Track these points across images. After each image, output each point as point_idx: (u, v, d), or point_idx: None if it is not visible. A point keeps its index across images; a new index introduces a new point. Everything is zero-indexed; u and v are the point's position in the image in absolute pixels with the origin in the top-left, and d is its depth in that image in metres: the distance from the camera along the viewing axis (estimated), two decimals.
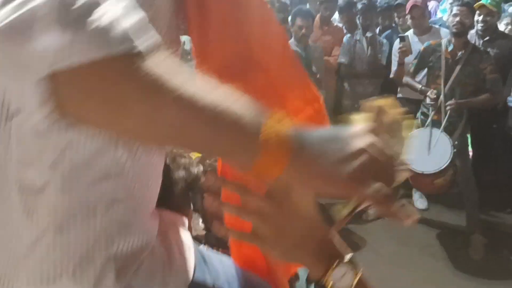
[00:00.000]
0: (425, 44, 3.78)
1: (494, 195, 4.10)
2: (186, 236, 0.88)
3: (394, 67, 4.08)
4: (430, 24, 4.27)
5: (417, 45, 3.92)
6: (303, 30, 4.07)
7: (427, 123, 3.57)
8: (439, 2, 5.52)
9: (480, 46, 3.89)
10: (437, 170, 3.37)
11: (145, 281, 0.72)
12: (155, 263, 0.76)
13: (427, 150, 3.46)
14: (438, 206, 4.26)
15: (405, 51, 3.78)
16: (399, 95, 4.25)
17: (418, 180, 3.62)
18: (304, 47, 4.08)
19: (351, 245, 0.72)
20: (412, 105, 4.06)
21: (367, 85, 4.34)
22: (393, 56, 4.14)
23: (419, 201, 4.29)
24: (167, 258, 0.78)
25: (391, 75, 4.15)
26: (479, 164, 4.21)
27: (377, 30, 4.66)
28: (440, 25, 4.39)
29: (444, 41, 3.62)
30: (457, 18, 3.46)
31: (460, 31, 3.48)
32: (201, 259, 0.87)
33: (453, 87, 3.54)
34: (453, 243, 3.77)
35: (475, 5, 3.77)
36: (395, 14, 4.55)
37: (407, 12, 4.15)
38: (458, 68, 3.52)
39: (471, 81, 3.54)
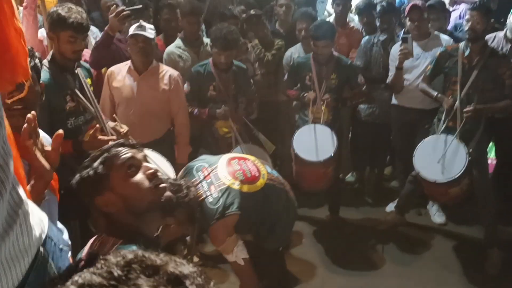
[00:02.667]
0: (441, 49, 3.63)
1: None
2: None
3: (391, 72, 3.91)
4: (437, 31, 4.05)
5: (414, 50, 3.75)
6: (303, 33, 3.98)
7: (440, 129, 3.42)
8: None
9: (508, 50, 3.70)
10: (450, 179, 3.21)
11: None
12: None
13: (440, 158, 3.31)
14: (456, 217, 4.07)
15: (406, 54, 3.63)
16: (394, 101, 4.08)
17: (432, 189, 3.48)
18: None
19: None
20: (411, 114, 3.92)
21: (382, 89, 4.20)
22: (390, 61, 3.96)
23: (437, 215, 4.11)
24: None
25: (388, 81, 3.97)
26: (503, 174, 4.01)
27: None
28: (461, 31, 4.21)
29: (461, 46, 3.47)
30: (469, 24, 3.31)
31: (473, 37, 3.32)
32: None
33: (470, 92, 3.39)
34: (469, 256, 3.60)
35: None
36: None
37: (405, 14, 3.95)
38: (475, 73, 3.36)
39: (489, 87, 3.37)
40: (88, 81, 2.78)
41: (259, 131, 3.89)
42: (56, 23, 2.53)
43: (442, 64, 3.57)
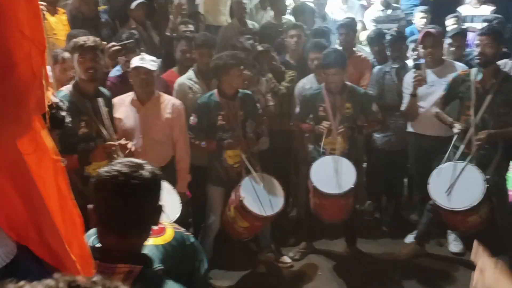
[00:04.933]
0: (454, 74, 3.58)
1: None
2: None
3: (405, 99, 3.87)
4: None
5: (429, 77, 3.71)
6: (315, 63, 4.00)
7: (457, 156, 3.34)
8: None
9: None
10: (467, 207, 3.10)
11: None
12: None
13: (456, 185, 3.20)
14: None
15: (419, 81, 3.59)
16: (410, 129, 4.02)
17: (450, 218, 3.37)
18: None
19: None
20: (428, 141, 3.85)
21: (398, 117, 4.16)
22: (403, 89, 3.92)
23: (453, 244, 3.97)
24: None
25: (402, 108, 3.92)
26: None
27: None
28: None
29: (473, 71, 3.42)
30: (479, 48, 3.28)
31: (483, 61, 3.28)
32: None
33: (485, 117, 3.31)
34: None
35: None
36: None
37: (419, 41, 3.94)
38: (489, 97, 3.29)
39: (504, 111, 3.29)
40: (106, 109, 3.00)
41: (272, 161, 3.88)
42: (70, 49, 2.90)
43: (455, 89, 3.52)
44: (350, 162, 3.51)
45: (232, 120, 3.53)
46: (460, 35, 4.19)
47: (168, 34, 4.37)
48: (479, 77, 3.35)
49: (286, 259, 3.90)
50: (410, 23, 5.74)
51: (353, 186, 3.41)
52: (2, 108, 0.91)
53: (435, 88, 3.78)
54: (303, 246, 4.01)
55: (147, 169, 1.37)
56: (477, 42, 3.35)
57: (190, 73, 3.83)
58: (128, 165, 1.36)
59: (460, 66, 3.85)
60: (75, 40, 2.86)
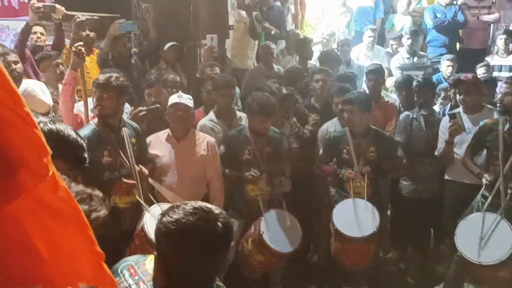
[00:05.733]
0: (481, 123, 3.52)
1: None
2: None
3: (440, 144, 3.81)
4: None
5: (465, 123, 3.64)
6: (340, 107, 3.98)
7: (485, 207, 3.22)
8: None
9: None
10: (496, 262, 2.96)
11: None
12: None
13: (485, 238, 3.08)
14: None
15: (456, 129, 3.53)
16: (447, 177, 3.94)
17: (478, 272, 3.21)
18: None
19: None
20: (464, 189, 3.74)
21: (427, 165, 4.08)
22: (440, 133, 3.87)
23: None
24: None
25: (436, 153, 3.87)
26: None
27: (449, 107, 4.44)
28: None
29: (501, 119, 3.35)
30: (500, 97, 3.25)
31: (502, 110, 3.25)
32: None
33: None
34: None
35: None
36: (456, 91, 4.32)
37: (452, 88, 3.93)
38: None
39: None
40: (133, 140, 3.09)
41: (293, 204, 3.83)
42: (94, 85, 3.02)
43: (482, 139, 3.45)
44: (372, 206, 3.44)
45: (258, 155, 3.56)
46: (489, 83, 4.14)
47: (198, 75, 4.48)
48: (506, 126, 3.29)
49: None
50: (437, 71, 5.75)
51: (376, 230, 3.33)
52: None
53: (471, 135, 3.69)
54: None
55: (220, 219, 1.31)
56: (504, 91, 3.34)
57: (211, 114, 3.91)
58: (200, 215, 1.29)
59: None
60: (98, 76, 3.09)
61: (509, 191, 3.15)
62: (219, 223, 1.29)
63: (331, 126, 4.11)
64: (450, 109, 4.23)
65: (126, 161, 2.96)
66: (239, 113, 4.00)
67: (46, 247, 0.89)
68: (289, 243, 3.33)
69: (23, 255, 0.88)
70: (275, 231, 3.32)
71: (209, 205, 1.36)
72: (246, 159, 3.57)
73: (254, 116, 3.56)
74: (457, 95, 3.85)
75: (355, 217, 3.40)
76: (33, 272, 0.89)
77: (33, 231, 0.89)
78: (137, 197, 2.89)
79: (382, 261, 4.13)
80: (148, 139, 3.45)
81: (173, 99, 3.38)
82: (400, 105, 4.59)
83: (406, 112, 4.27)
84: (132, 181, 2.92)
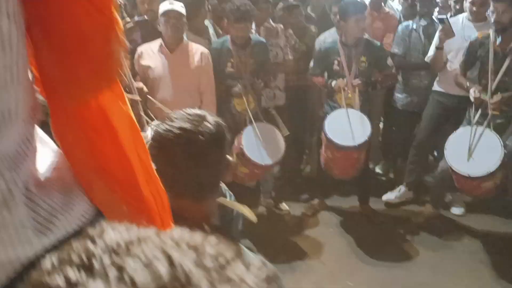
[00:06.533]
0: (472, 37, 3.44)
1: None
2: None
3: (431, 51, 3.73)
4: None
5: (469, 31, 3.56)
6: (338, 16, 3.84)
7: (474, 121, 3.25)
8: None
9: None
10: (485, 174, 3.04)
11: None
12: None
13: (473, 150, 3.13)
14: (491, 210, 3.89)
15: (445, 34, 3.47)
16: (436, 87, 3.89)
17: (463, 183, 3.32)
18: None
19: None
20: (453, 100, 3.74)
21: (423, 76, 4.04)
22: (433, 41, 3.77)
23: (455, 207, 3.98)
24: None
25: (426, 59, 3.80)
26: None
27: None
28: None
29: (491, 33, 3.26)
30: (494, 16, 3.16)
31: (500, 28, 3.16)
32: None
33: (505, 80, 3.19)
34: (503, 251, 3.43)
35: None
36: None
37: None
38: (508, 60, 3.16)
39: None
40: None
41: (287, 117, 3.86)
42: None
43: (474, 53, 3.38)
44: (364, 116, 3.49)
45: (241, 67, 3.51)
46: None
47: None
48: (499, 40, 3.22)
49: (284, 206, 4.00)
50: None
51: (367, 139, 3.40)
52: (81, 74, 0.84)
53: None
54: (315, 203, 4.05)
55: (210, 121, 1.24)
56: (492, 9, 3.21)
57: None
58: (189, 119, 1.23)
59: None
60: None
61: (492, 105, 3.16)
62: (209, 124, 1.23)
63: (329, 37, 3.99)
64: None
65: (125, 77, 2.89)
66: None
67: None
68: (270, 155, 3.38)
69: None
70: (256, 144, 3.36)
71: (200, 111, 1.29)
72: (229, 72, 3.52)
73: (230, 23, 3.48)
74: (468, 3, 3.67)
75: (348, 127, 3.45)
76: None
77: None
78: (141, 112, 2.86)
79: (371, 171, 4.24)
80: (139, 50, 3.33)
81: (165, 6, 3.20)
82: (401, 15, 4.43)
83: (406, 22, 4.14)
84: (136, 97, 2.85)
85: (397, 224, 3.88)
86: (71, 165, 0.80)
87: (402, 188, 4.11)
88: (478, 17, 3.66)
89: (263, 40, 3.68)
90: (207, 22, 3.82)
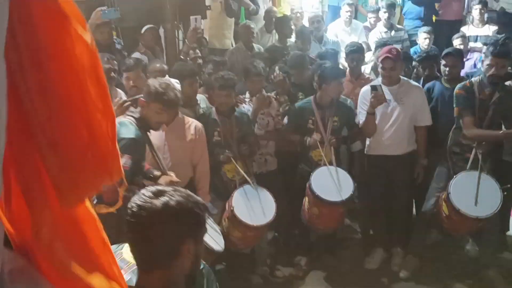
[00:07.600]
0: (457, 87, 3.64)
1: None
2: None
3: (362, 117, 3.85)
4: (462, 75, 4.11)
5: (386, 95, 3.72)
6: None
7: (468, 166, 3.55)
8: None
9: None
10: (489, 215, 3.30)
11: None
12: None
13: (476, 194, 3.38)
14: None
15: (378, 100, 3.64)
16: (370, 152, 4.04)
17: (458, 225, 3.54)
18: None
19: None
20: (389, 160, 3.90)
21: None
22: (360, 104, 3.92)
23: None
24: None
25: (360, 125, 3.92)
26: None
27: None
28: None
29: (474, 82, 3.58)
30: (493, 69, 3.40)
31: (497, 82, 3.44)
32: None
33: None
34: None
35: None
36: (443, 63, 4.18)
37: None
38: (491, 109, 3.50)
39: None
40: None
41: (279, 182, 3.94)
42: (152, 95, 2.88)
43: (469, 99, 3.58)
44: (345, 171, 3.70)
45: (228, 136, 3.64)
46: (453, 55, 4.03)
47: (182, 57, 4.44)
48: (496, 95, 3.49)
49: (280, 273, 3.95)
50: (414, 43, 5.82)
51: (352, 193, 3.56)
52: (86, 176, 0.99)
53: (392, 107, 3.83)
54: (303, 263, 4.02)
55: (162, 200, 1.28)
56: (490, 63, 3.43)
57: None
58: (146, 195, 1.30)
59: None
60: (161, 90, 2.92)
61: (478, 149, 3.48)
62: (159, 202, 1.28)
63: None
64: (423, 83, 4.25)
65: (158, 161, 3.07)
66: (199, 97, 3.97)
67: None
68: (262, 216, 3.38)
69: None
70: (246, 205, 3.38)
71: (168, 188, 1.35)
72: (217, 140, 3.63)
73: (215, 91, 3.64)
74: (380, 70, 3.89)
75: (331, 183, 3.60)
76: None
77: None
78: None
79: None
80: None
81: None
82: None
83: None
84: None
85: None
86: None
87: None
88: (390, 81, 3.83)
89: (246, 112, 3.84)
90: (199, 97, 3.94)
